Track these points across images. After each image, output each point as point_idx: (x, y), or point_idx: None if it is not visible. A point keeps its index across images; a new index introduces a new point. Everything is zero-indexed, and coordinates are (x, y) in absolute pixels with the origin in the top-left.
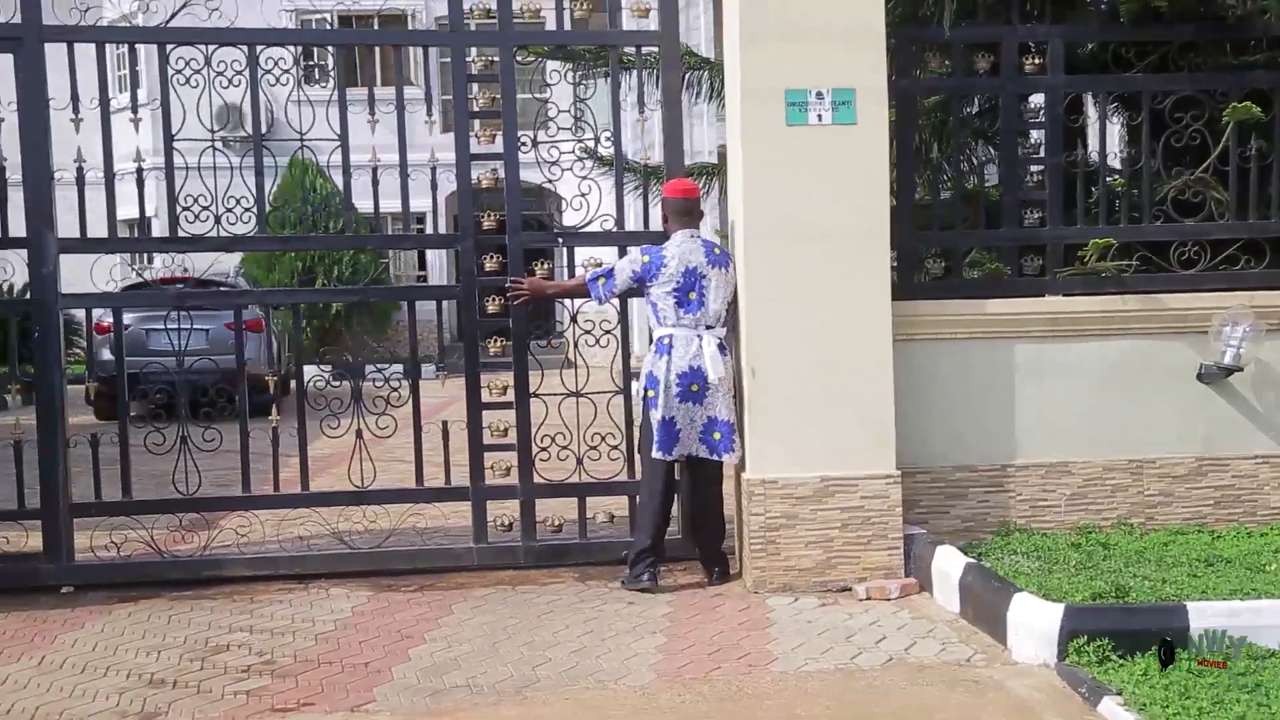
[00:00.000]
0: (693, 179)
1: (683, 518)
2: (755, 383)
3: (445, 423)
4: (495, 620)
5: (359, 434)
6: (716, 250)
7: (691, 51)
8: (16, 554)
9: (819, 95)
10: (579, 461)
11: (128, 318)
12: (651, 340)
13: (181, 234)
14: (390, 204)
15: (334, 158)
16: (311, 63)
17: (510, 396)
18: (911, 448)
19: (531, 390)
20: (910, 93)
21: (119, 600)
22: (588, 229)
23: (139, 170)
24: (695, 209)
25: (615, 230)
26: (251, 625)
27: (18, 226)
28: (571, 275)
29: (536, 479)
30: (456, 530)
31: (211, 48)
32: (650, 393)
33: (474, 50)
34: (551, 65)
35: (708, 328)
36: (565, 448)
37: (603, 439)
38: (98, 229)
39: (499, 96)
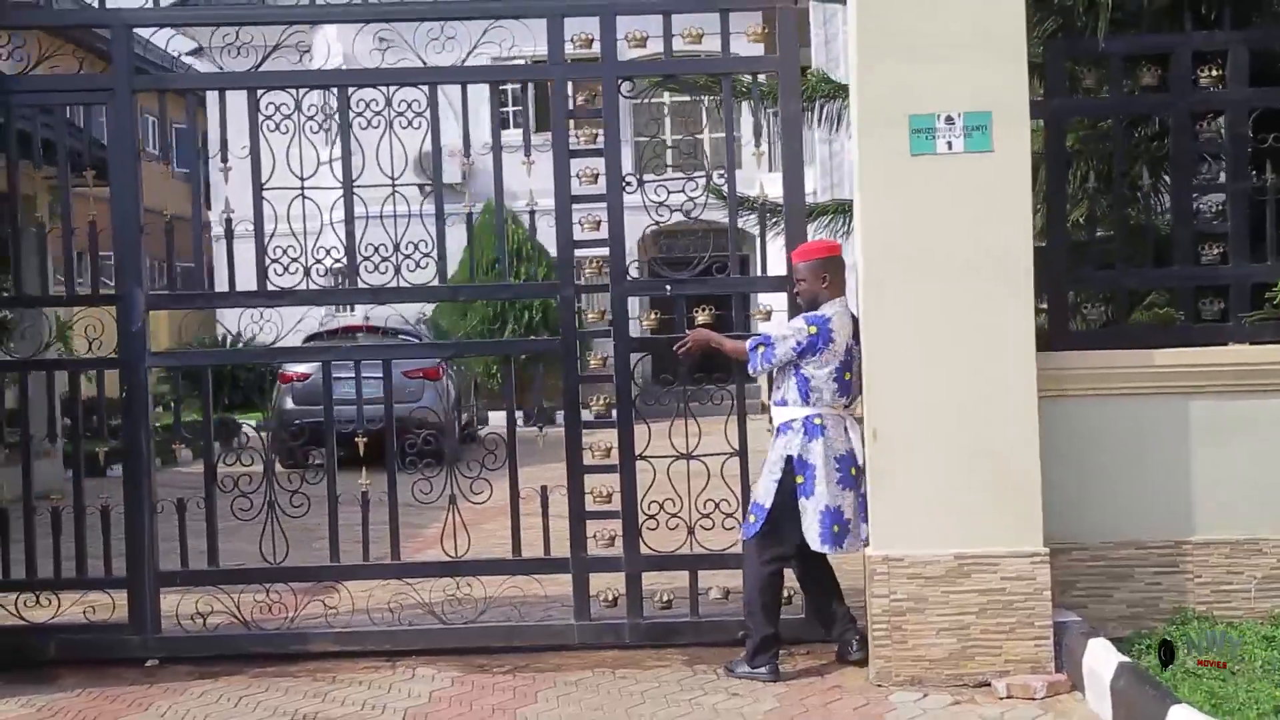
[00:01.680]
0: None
1: (807, 600)
2: (878, 447)
3: (544, 487)
4: (579, 712)
5: (451, 499)
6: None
7: (828, 78)
8: (102, 624)
9: (949, 120)
10: (690, 531)
11: (308, 368)
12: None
13: (273, 287)
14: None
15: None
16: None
17: (615, 459)
18: (1064, 522)
19: (638, 452)
20: (1061, 114)
21: (200, 676)
22: (698, 274)
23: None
24: (844, 271)
25: (730, 276)
26: (318, 712)
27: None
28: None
29: (644, 550)
30: (559, 604)
31: (392, 89)
32: (799, 478)
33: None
34: (660, 99)
35: (850, 412)
36: (675, 515)
37: (716, 506)
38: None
39: (601, 133)
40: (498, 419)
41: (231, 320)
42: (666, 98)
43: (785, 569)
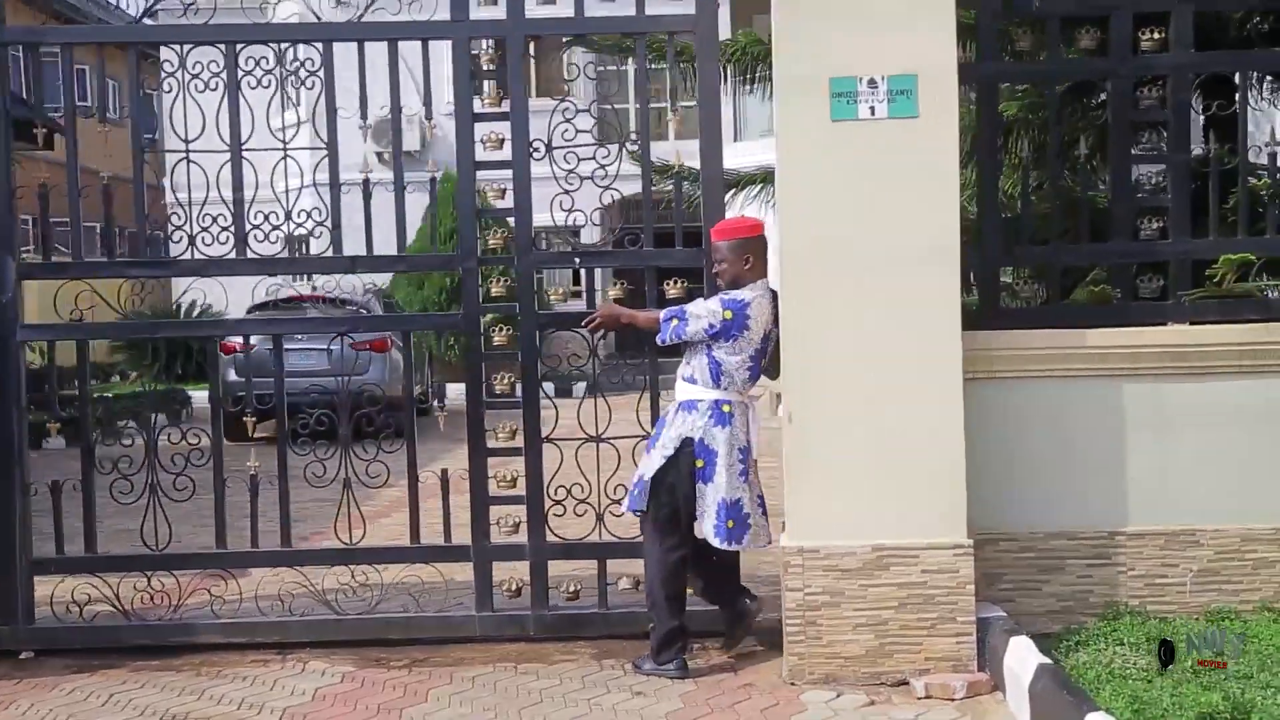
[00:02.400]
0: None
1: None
2: (793, 431)
3: (445, 471)
4: (470, 712)
5: (346, 484)
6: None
7: (759, 39)
8: None
9: (871, 84)
10: (599, 518)
11: (255, 338)
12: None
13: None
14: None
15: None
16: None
17: (520, 442)
18: (991, 510)
19: (545, 434)
20: (994, 80)
21: (76, 670)
22: (607, 248)
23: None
24: (766, 251)
25: (643, 249)
26: (189, 712)
27: None
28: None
29: (550, 537)
30: (463, 593)
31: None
32: (699, 462)
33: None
34: (570, 60)
35: (754, 399)
36: (583, 501)
37: (627, 491)
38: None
39: (506, 95)
40: (456, 391)
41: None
42: (582, 60)
43: (688, 555)
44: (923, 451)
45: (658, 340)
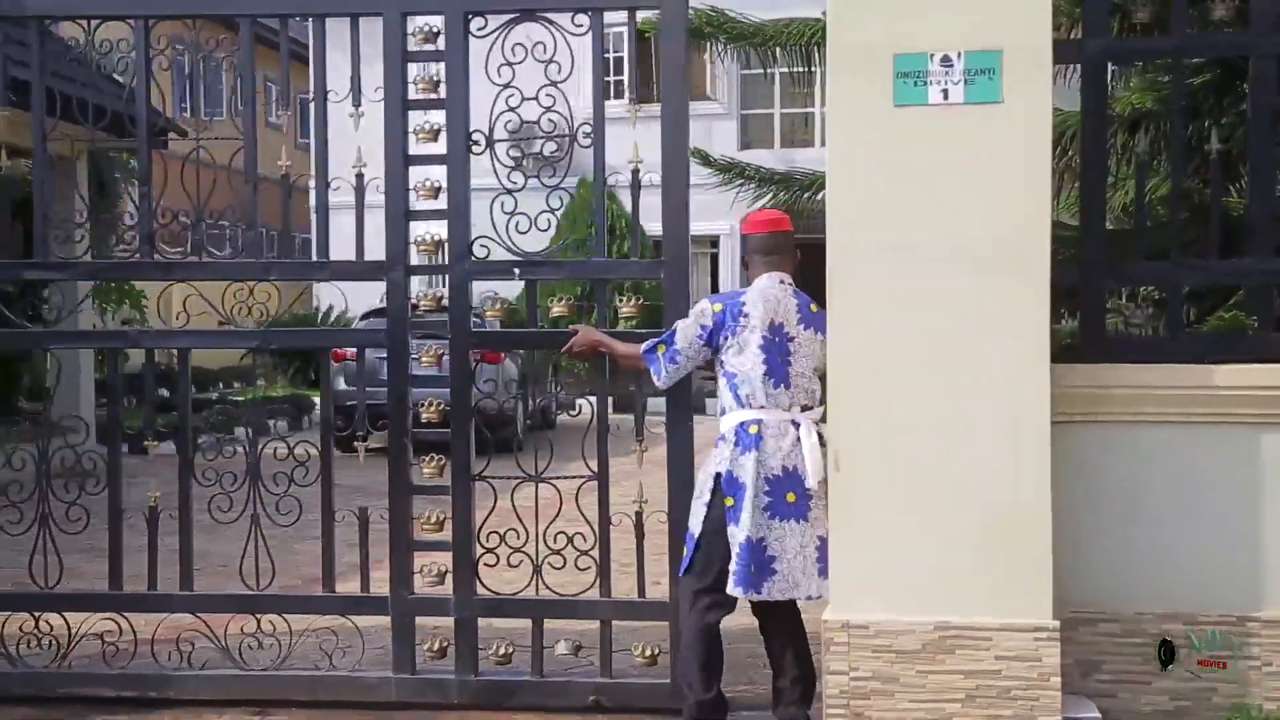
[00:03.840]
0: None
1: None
2: (841, 480)
3: (364, 510)
4: None
5: (254, 520)
6: (813, 308)
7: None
8: None
9: (946, 61)
10: (536, 570)
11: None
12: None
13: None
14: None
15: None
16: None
17: (448, 479)
18: (1086, 584)
19: (475, 471)
20: (1100, 58)
21: None
22: (554, 257)
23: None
24: (787, 247)
25: (595, 259)
26: None
27: None
28: (532, 316)
29: (479, 590)
30: (383, 648)
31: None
32: (729, 500)
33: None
34: (515, 39)
35: (804, 408)
36: (519, 550)
37: (569, 540)
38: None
39: (443, 80)
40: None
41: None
42: (529, 41)
43: (725, 615)
44: (999, 509)
45: (655, 381)
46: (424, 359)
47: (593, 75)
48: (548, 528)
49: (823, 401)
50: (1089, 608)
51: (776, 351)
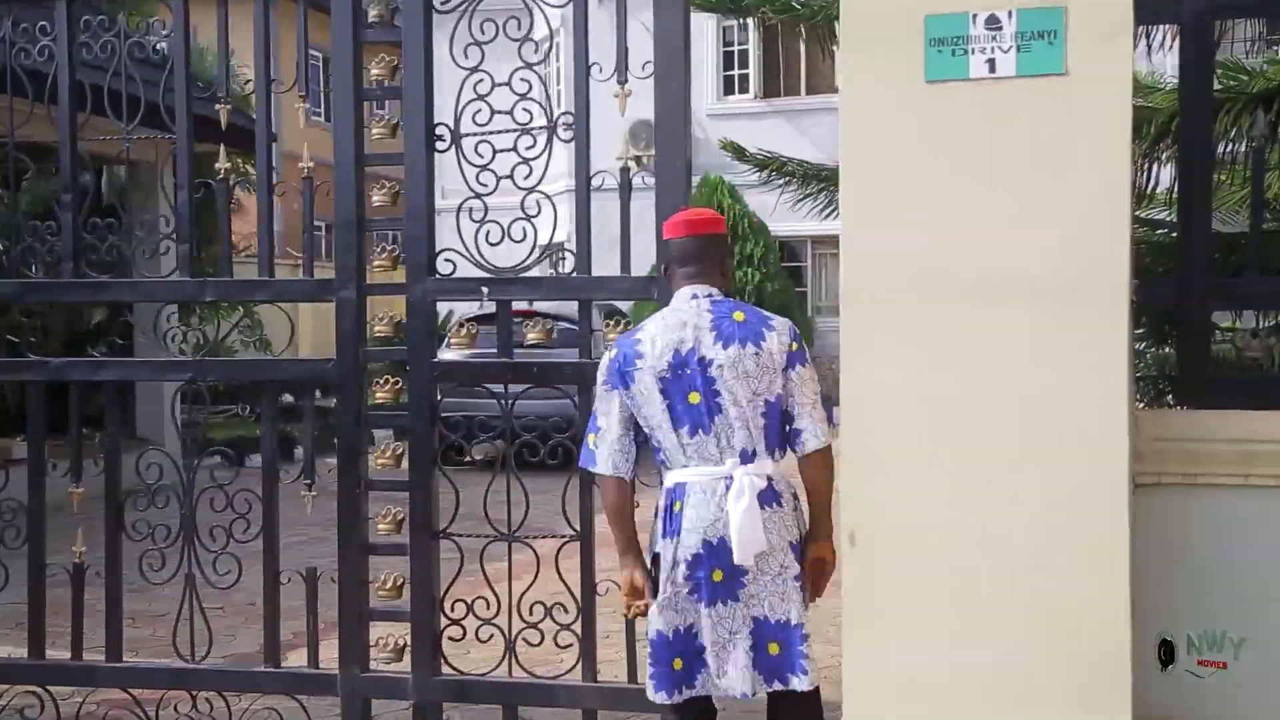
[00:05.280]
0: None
1: None
2: (855, 558)
3: (314, 570)
4: None
5: (189, 581)
6: (737, 316)
7: None
8: None
9: (992, 23)
10: (509, 646)
11: (460, 355)
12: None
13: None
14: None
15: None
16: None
17: (406, 536)
18: (1185, 692)
19: (441, 527)
20: (1205, 18)
21: None
22: (529, 271)
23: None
24: (712, 254)
25: (573, 275)
26: None
27: None
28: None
29: (444, 669)
30: None
31: None
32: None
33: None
34: (485, 9)
35: (744, 459)
36: (489, 622)
37: (548, 611)
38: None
39: (400, 65)
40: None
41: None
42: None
43: None
44: (1063, 595)
45: (591, 468)
46: (378, 394)
47: (574, 55)
48: (523, 596)
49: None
50: None
51: (686, 388)
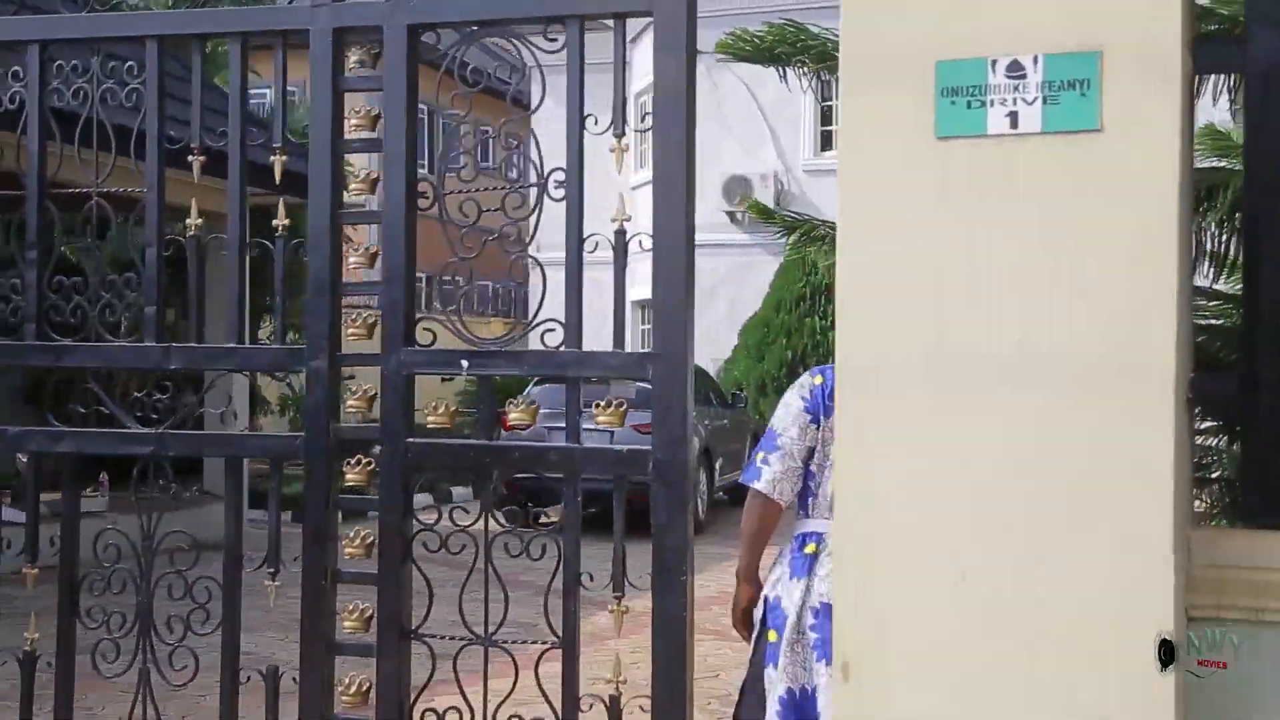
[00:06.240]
0: None
1: None
2: (848, 695)
3: (275, 670)
4: None
5: (143, 676)
6: None
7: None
8: None
9: (1014, 69)
10: None
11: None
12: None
13: None
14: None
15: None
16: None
17: (373, 634)
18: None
19: (414, 626)
20: (1272, 65)
21: None
22: (513, 344)
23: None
24: None
25: (560, 349)
26: None
27: None
28: (488, 423)
29: None
30: None
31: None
32: (772, 634)
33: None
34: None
35: None
36: None
37: None
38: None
39: (380, 115)
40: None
41: None
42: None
43: None
44: None
45: (757, 484)
46: (349, 475)
47: (567, 106)
48: (499, 708)
49: None
50: None
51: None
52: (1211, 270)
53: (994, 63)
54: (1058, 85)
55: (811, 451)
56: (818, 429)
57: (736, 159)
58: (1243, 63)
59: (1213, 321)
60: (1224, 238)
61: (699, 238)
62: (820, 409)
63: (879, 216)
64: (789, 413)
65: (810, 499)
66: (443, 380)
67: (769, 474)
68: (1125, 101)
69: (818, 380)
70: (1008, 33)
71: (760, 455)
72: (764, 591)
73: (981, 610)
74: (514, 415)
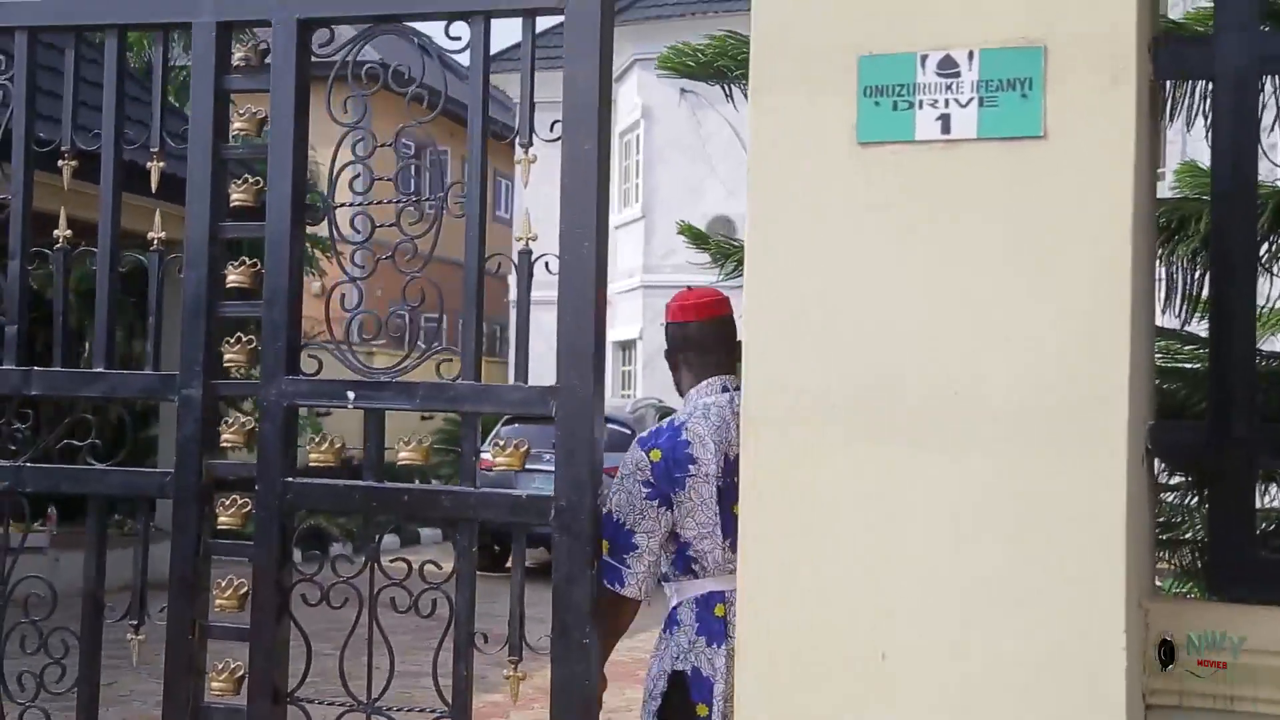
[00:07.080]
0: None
1: None
2: None
3: None
4: None
5: None
6: None
7: None
8: None
9: (946, 66)
10: None
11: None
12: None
13: None
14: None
15: None
16: None
17: (243, 698)
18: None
19: (290, 689)
20: (1253, 69)
21: None
22: (406, 375)
23: None
24: (729, 337)
25: (456, 381)
26: None
27: None
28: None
29: None
30: None
31: None
32: (702, 709)
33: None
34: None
35: None
36: None
37: None
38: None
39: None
40: None
41: None
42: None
43: None
44: None
45: (624, 591)
46: (222, 517)
47: (470, 110)
48: None
49: None
50: None
51: (733, 498)
52: (1184, 310)
53: (923, 58)
54: (995, 85)
55: (671, 532)
56: (670, 509)
57: (720, 199)
58: (1210, 69)
59: (1183, 365)
60: (1197, 273)
61: (681, 278)
62: (668, 486)
63: (791, 237)
64: (633, 504)
65: (694, 564)
66: (422, 418)
67: (632, 577)
68: (1072, 105)
69: (655, 456)
70: (939, 23)
71: (617, 556)
72: (663, 666)
73: (907, 696)
74: (405, 454)
